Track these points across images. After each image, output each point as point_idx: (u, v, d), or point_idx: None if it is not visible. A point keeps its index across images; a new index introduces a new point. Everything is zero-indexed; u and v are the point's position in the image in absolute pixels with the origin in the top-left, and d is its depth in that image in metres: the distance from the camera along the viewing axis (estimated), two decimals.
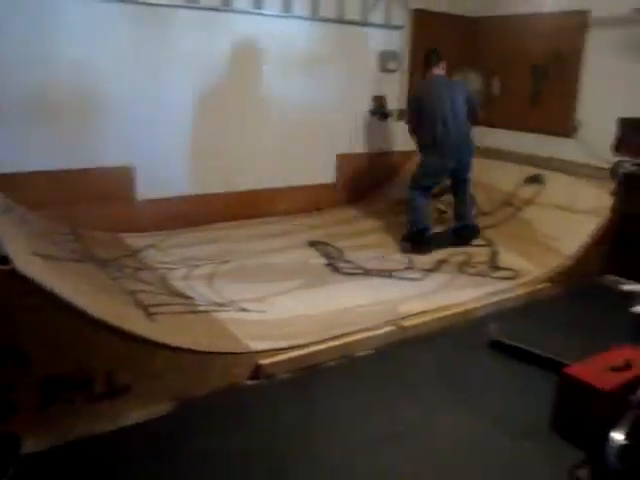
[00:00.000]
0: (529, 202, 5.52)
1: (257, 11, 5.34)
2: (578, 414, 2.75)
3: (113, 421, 2.69)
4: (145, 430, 2.70)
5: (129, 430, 2.68)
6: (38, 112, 4.47)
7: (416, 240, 5.14)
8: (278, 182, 5.89)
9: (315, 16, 5.73)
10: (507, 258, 4.96)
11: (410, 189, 5.21)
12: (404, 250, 5.10)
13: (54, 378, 2.52)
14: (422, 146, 5.25)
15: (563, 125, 5.87)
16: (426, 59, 5.25)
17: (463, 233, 5.36)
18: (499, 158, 6.20)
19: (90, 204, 4.80)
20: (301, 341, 3.34)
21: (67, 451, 2.51)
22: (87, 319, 2.53)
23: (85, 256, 3.98)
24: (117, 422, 2.70)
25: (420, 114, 5.10)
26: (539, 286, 4.54)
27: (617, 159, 5.09)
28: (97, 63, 4.65)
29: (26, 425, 2.48)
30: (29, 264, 2.61)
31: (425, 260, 4.88)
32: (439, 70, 5.19)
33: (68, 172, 4.68)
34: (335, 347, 3.39)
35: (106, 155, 4.85)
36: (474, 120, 5.27)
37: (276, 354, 3.20)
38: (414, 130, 5.28)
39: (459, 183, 5.33)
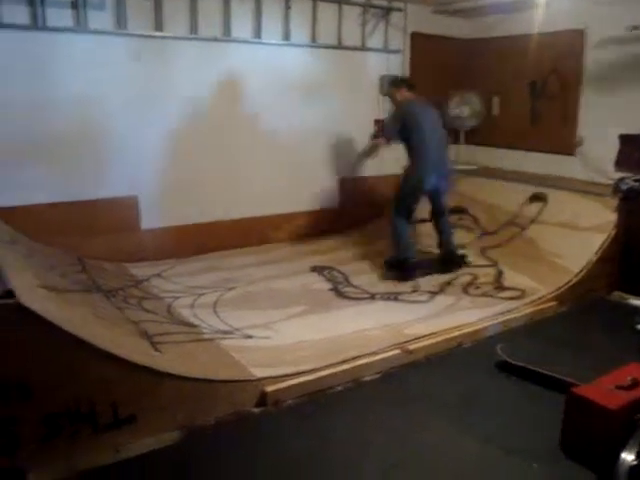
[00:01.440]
0: (533, 221, 5.52)
1: (256, 40, 5.42)
2: (587, 434, 2.74)
3: (118, 452, 2.68)
4: (151, 460, 2.68)
5: (135, 461, 2.67)
6: (41, 146, 4.54)
7: (401, 268, 5.02)
8: (281, 208, 5.92)
9: (314, 43, 5.81)
10: (512, 277, 4.95)
11: (394, 215, 5.09)
12: (388, 277, 5.00)
13: (58, 410, 2.52)
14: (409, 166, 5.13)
15: (564, 143, 5.90)
16: (401, 83, 5.29)
17: (448, 261, 5.24)
18: (501, 178, 6.22)
19: (95, 234, 4.84)
20: (307, 366, 3.32)
21: None
22: (92, 350, 2.54)
23: (91, 286, 4.00)
24: (123, 453, 2.68)
25: (403, 132, 4.98)
26: (545, 305, 4.52)
27: (619, 175, 5.10)
28: (99, 96, 4.71)
29: (30, 458, 2.47)
30: (34, 297, 2.63)
31: (430, 283, 4.88)
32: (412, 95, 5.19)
33: (72, 204, 4.73)
34: (341, 372, 3.37)
35: (110, 186, 4.90)
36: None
37: (282, 380, 3.18)
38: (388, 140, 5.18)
39: (438, 211, 5.25)
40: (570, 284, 4.69)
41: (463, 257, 5.32)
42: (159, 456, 2.71)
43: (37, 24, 4.35)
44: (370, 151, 5.59)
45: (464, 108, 6.65)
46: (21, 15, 4.30)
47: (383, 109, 6.41)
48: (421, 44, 6.58)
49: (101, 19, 4.63)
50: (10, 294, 2.36)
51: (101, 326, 3.09)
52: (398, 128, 4.98)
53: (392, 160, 6.62)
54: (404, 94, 5.14)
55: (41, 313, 2.41)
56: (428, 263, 5.24)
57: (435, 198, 5.18)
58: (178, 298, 4.31)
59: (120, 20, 4.70)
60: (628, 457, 2.47)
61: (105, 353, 2.58)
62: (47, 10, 4.37)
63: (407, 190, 5.06)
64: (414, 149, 4.99)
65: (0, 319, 2.33)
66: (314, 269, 5.14)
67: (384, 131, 5.26)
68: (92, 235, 4.83)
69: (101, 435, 2.65)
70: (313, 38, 5.81)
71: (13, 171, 4.44)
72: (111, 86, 4.76)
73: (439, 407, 3.20)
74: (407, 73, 6.57)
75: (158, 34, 4.89)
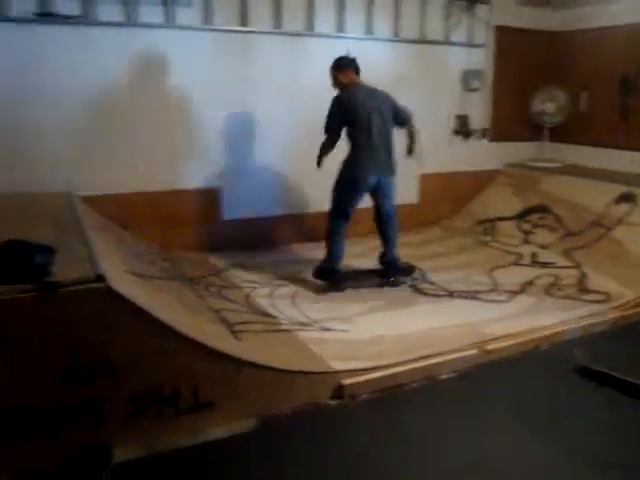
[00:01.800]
0: (620, 222, 5.29)
1: (340, 35, 5.44)
2: None
3: (196, 436, 2.75)
4: (227, 446, 2.74)
5: (212, 445, 2.73)
6: (132, 136, 4.74)
7: (330, 277, 4.52)
8: (361, 202, 5.90)
9: (397, 37, 5.78)
10: (597, 280, 4.77)
11: (330, 216, 4.55)
12: (318, 290, 4.46)
13: (143, 392, 2.61)
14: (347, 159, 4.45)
15: None
16: (347, 65, 4.45)
17: (389, 272, 4.69)
18: (587, 176, 5.98)
19: (180, 224, 5.01)
20: (384, 362, 3.31)
21: (153, 462, 2.58)
22: (177, 336, 2.62)
23: (174, 274, 4.13)
24: (200, 437, 2.75)
25: (344, 125, 4.37)
26: (631, 310, 4.31)
27: None
28: (188, 90, 4.88)
29: (116, 435, 2.57)
30: (123, 282, 2.73)
31: (511, 282, 4.76)
32: (359, 79, 4.48)
33: (158, 194, 4.91)
34: (417, 369, 3.34)
35: (194, 177, 5.06)
36: (406, 123, 4.64)
37: (359, 374, 3.18)
38: (332, 143, 4.41)
39: (382, 215, 4.66)
40: None
41: (412, 268, 4.81)
42: (235, 442, 2.76)
43: (130, 20, 4.55)
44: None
45: (550, 104, 6.46)
46: (116, 13, 4.51)
47: (466, 104, 6.32)
48: (506, 38, 6.43)
49: (189, 15, 4.78)
50: (101, 278, 2.46)
51: (185, 313, 3.18)
52: (342, 119, 4.34)
53: (473, 156, 6.55)
54: (350, 77, 4.42)
55: (130, 298, 2.51)
56: (365, 274, 4.75)
57: (379, 199, 4.61)
58: (256, 288, 4.39)
59: (206, 16, 4.83)
60: None
61: (189, 339, 2.65)
62: (139, 7, 4.57)
63: (345, 189, 4.47)
64: (355, 142, 4.37)
65: (91, 302, 2.43)
66: None
67: (325, 127, 4.40)
68: (177, 225, 4.99)
69: (182, 418, 2.72)
70: (395, 32, 5.77)
71: (105, 160, 4.66)
72: (198, 80, 4.90)
73: (516, 410, 3.12)
74: (491, 68, 6.45)
75: (246, 29, 5.01)
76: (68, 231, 3.20)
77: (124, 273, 3.08)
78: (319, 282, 4.53)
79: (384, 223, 4.67)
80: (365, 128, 4.32)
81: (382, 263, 4.74)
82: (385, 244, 4.71)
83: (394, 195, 4.65)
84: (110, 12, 4.47)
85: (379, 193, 4.54)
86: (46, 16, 4.21)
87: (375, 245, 4.90)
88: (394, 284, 4.64)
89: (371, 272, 4.75)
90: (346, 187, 4.45)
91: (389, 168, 4.52)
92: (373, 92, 4.43)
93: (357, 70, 4.47)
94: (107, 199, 4.65)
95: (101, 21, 4.45)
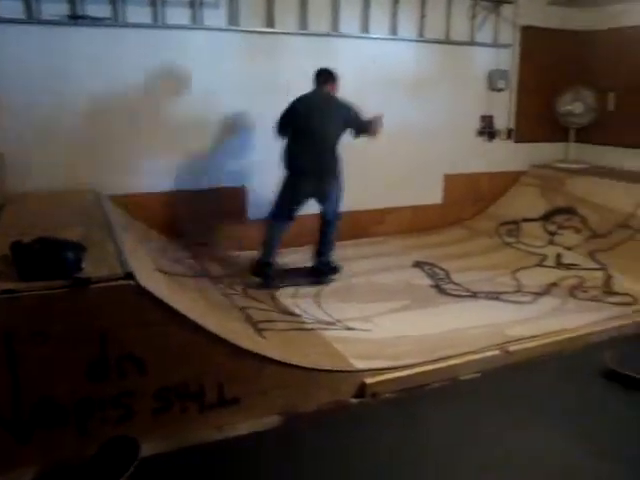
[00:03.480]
0: None
1: (365, 35, 5.46)
2: None
3: (221, 431, 2.80)
4: (251, 442, 2.77)
5: (236, 441, 2.77)
6: (160, 136, 4.82)
7: (261, 273, 4.56)
8: (385, 202, 5.95)
9: (422, 37, 5.78)
10: (623, 283, 4.72)
11: (270, 214, 4.65)
12: (258, 285, 4.49)
13: (169, 387, 2.66)
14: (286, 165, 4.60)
15: None
16: (315, 78, 4.62)
17: (319, 271, 4.77)
18: (614, 177, 5.92)
19: (206, 222, 5.08)
20: (406, 361, 3.33)
21: (178, 456, 2.63)
22: (203, 333, 2.67)
23: (200, 272, 4.19)
24: (225, 432, 2.80)
25: (289, 128, 4.54)
26: None
27: None
28: (215, 90, 4.94)
29: (143, 429, 2.63)
30: (151, 280, 2.79)
31: (535, 283, 4.74)
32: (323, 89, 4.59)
33: (184, 192, 4.99)
34: (440, 369, 3.35)
35: (221, 176, 5.13)
36: (363, 132, 4.66)
37: (381, 373, 3.21)
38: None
39: (324, 218, 4.73)
40: None
41: (336, 268, 4.81)
42: (259, 438, 2.80)
43: (157, 22, 4.62)
44: None
45: (577, 105, 6.40)
46: (145, 15, 4.59)
47: (491, 104, 6.30)
48: (532, 38, 6.38)
49: (215, 17, 4.83)
50: (130, 275, 2.52)
51: (211, 310, 3.23)
52: (285, 122, 4.51)
53: (498, 156, 6.52)
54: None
55: (158, 295, 2.56)
56: (297, 272, 4.84)
57: (321, 204, 4.69)
58: (281, 287, 4.43)
59: (233, 17, 4.88)
60: None
61: (214, 336, 2.70)
62: (167, 9, 4.63)
63: (284, 191, 4.58)
64: (293, 147, 4.52)
65: (120, 299, 2.49)
66: (418, 264, 5.13)
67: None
68: (202, 223, 5.06)
69: (206, 413, 2.77)
70: (421, 32, 5.77)
71: (134, 159, 4.75)
72: (224, 80, 4.96)
73: (540, 412, 3.11)
74: (516, 68, 6.41)
75: (271, 30, 5.06)
76: (97, 229, 3.27)
77: (152, 270, 3.13)
78: (256, 279, 4.55)
79: (323, 225, 4.74)
80: (303, 135, 4.47)
81: (315, 261, 4.82)
82: (320, 245, 4.77)
83: (335, 199, 4.68)
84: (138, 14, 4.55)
85: (318, 197, 4.61)
86: (78, 18, 4.30)
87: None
88: (321, 282, 4.69)
89: (304, 269, 4.86)
90: (283, 188, 4.58)
91: (325, 173, 4.55)
92: (322, 101, 4.54)
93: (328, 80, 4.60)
94: (132, 199, 4.72)
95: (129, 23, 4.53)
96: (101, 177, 4.57)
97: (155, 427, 2.68)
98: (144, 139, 4.76)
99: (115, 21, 4.46)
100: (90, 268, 2.53)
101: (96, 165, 4.60)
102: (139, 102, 4.69)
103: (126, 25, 4.51)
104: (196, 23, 4.75)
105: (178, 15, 4.68)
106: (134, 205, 4.70)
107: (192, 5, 4.71)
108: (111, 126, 4.62)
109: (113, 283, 2.47)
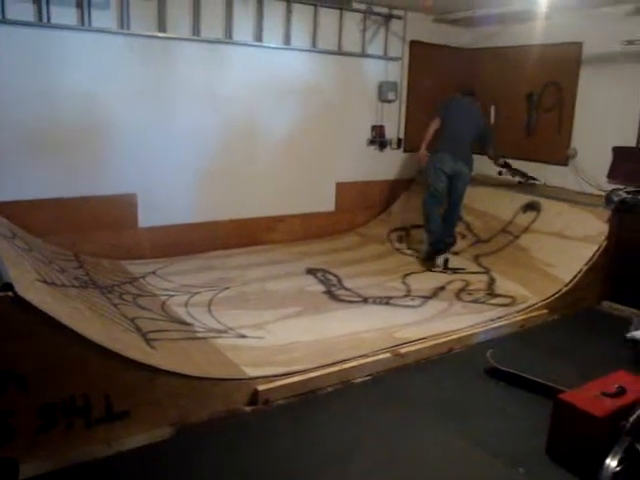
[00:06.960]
0: (526, 229, 5.57)
1: (257, 44, 5.47)
2: (573, 440, 2.78)
3: (111, 446, 2.71)
4: (143, 455, 2.71)
5: (127, 455, 2.70)
6: (43, 143, 4.59)
7: (434, 252, 5.48)
8: (277, 210, 5.97)
9: (315, 48, 5.87)
10: (504, 285, 5.01)
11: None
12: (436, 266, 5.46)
13: (54, 403, 2.55)
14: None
15: (558, 153, 5.97)
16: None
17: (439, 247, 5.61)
18: (495, 186, 6.26)
19: (93, 231, 4.88)
20: (299, 367, 3.37)
21: (64, 475, 2.53)
22: (88, 345, 2.57)
23: (88, 282, 4.04)
24: (115, 447, 2.71)
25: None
26: (536, 313, 4.57)
27: (611, 186, 5.18)
28: (101, 95, 4.76)
29: (25, 449, 2.51)
30: (31, 290, 2.66)
31: (423, 287, 4.93)
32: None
33: (70, 200, 4.77)
34: (332, 373, 3.41)
35: (109, 183, 4.94)
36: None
37: (274, 380, 3.22)
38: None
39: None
40: (561, 293, 4.75)
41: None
42: (151, 451, 2.75)
43: (42, 21, 4.40)
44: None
45: None
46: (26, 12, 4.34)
47: (381, 115, 6.48)
48: (420, 52, 6.66)
49: (104, 18, 4.67)
50: (8, 287, 2.39)
51: (97, 321, 3.12)
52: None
53: (389, 165, 6.72)
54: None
55: (39, 306, 2.45)
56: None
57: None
58: (173, 296, 4.35)
59: (123, 20, 4.75)
60: (612, 463, 2.51)
61: (101, 348, 2.61)
62: (52, 8, 4.42)
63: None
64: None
65: None
66: (311, 271, 5.18)
67: None
68: (90, 232, 4.87)
69: (94, 428, 2.68)
70: (314, 43, 5.86)
71: (14, 166, 4.48)
72: (112, 84, 4.80)
73: (428, 410, 3.25)
74: (405, 81, 6.64)
75: (162, 35, 4.95)
76: None
77: (34, 281, 2.99)
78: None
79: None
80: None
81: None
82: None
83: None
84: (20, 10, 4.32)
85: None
86: None
87: None
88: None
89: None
90: None
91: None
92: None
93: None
94: (17, 206, 4.48)
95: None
96: None
97: (39, 446, 2.56)
98: (26, 144, 4.51)
99: None
100: None
101: None
102: (16, 104, 4.43)
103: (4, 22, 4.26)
104: (83, 24, 4.57)
105: (64, 15, 4.48)
106: (20, 213, 4.47)
107: (79, 5, 4.53)
108: None
109: None
